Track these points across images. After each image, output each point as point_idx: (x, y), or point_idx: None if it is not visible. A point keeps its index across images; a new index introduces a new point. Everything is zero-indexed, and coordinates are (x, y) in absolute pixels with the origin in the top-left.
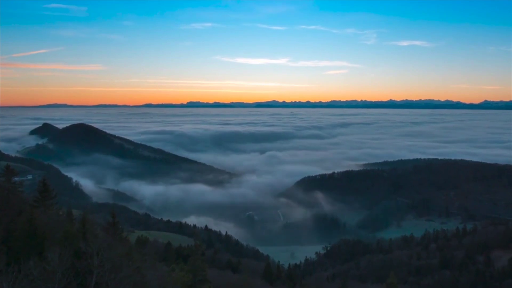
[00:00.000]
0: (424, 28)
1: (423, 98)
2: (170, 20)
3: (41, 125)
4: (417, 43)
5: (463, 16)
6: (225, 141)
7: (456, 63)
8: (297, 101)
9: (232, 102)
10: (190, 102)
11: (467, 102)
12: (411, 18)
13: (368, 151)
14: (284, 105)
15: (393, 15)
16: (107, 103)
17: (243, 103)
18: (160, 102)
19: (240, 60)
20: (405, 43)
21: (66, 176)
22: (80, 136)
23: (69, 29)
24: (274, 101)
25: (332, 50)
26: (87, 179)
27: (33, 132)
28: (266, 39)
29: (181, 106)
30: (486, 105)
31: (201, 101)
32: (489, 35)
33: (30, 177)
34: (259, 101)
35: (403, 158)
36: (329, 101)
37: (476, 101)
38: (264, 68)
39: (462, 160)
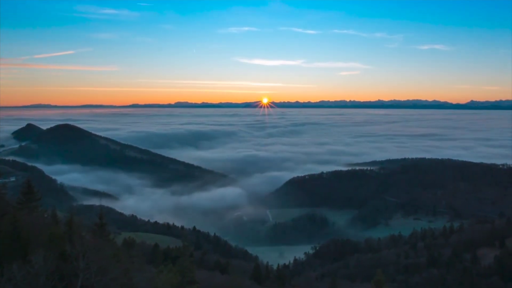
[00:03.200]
0: (442, 31)
1: (410, 98)
2: (208, 24)
3: (24, 125)
4: (437, 46)
5: (461, 19)
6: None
7: (448, 64)
8: (287, 101)
9: (221, 103)
10: (178, 103)
11: (454, 102)
12: (432, 22)
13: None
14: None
15: (419, 21)
16: (97, 103)
17: (231, 103)
18: (148, 103)
19: (257, 61)
20: (425, 47)
21: (50, 177)
22: (65, 137)
23: (106, 32)
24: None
25: (350, 52)
26: (72, 181)
27: (16, 133)
28: (294, 42)
29: (169, 106)
30: (472, 105)
31: (189, 101)
32: (479, 37)
33: (13, 178)
34: (249, 101)
35: (390, 158)
36: (318, 101)
37: (463, 101)
38: (276, 69)
39: (449, 160)
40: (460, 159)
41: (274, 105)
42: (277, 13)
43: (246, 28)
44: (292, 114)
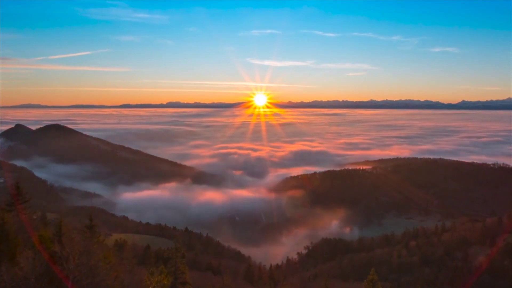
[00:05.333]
0: (449, 34)
1: (403, 99)
2: (232, 27)
3: (13, 126)
4: (449, 49)
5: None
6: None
7: (444, 66)
8: (279, 101)
9: (213, 103)
10: (170, 103)
11: (446, 102)
12: (444, 25)
13: None
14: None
15: (432, 24)
16: (91, 103)
17: (224, 103)
18: (139, 103)
19: (267, 62)
20: (437, 49)
21: (40, 178)
22: (54, 137)
23: (130, 35)
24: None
25: (361, 54)
26: (62, 182)
27: (4, 134)
28: (311, 44)
29: (160, 106)
30: (464, 105)
31: (181, 101)
32: (474, 38)
33: (1, 180)
34: (241, 101)
35: (383, 158)
36: (310, 101)
37: (454, 101)
38: (284, 70)
39: (441, 159)
40: (451, 158)
41: (266, 105)
42: (304, 17)
43: (269, 31)
44: (281, 114)
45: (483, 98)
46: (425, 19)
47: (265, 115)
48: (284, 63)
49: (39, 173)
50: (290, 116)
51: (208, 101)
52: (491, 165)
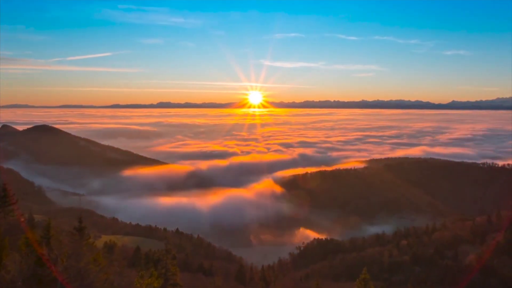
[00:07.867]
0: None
1: (393, 99)
2: (258, 30)
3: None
4: (461, 52)
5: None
6: None
7: (438, 65)
8: (271, 101)
9: (204, 103)
10: (160, 103)
11: (436, 102)
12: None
13: None
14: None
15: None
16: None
17: (215, 103)
18: (129, 103)
19: (278, 64)
20: (449, 52)
21: (27, 180)
22: (42, 138)
23: (155, 37)
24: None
25: (372, 56)
26: (50, 183)
27: None
28: (328, 47)
29: (150, 106)
30: (454, 105)
31: (171, 102)
32: (470, 40)
33: None
34: (232, 101)
35: (374, 157)
36: (302, 101)
37: (445, 101)
38: (292, 71)
39: (431, 159)
40: (441, 158)
41: (261, 104)
42: (330, 22)
43: (293, 34)
44: (274, 114)
45: (472, 98)
46: (444, 24)
47: (259, 115)
48: (295, 64)
49: (26, 175)
50: (283, 116)
51: (199, 101)
52: (481, 165)
